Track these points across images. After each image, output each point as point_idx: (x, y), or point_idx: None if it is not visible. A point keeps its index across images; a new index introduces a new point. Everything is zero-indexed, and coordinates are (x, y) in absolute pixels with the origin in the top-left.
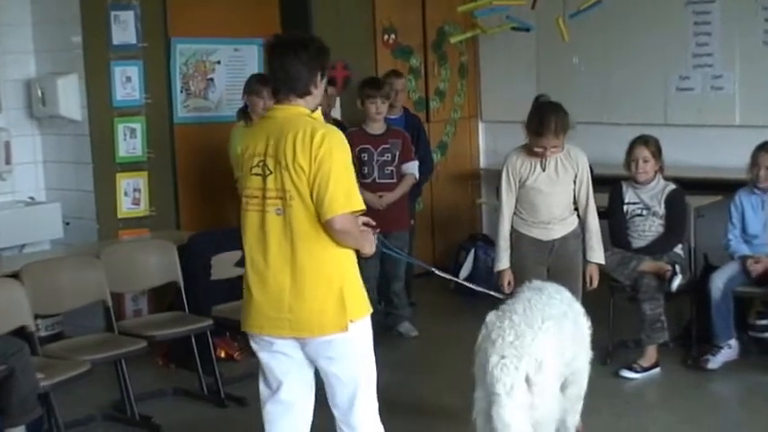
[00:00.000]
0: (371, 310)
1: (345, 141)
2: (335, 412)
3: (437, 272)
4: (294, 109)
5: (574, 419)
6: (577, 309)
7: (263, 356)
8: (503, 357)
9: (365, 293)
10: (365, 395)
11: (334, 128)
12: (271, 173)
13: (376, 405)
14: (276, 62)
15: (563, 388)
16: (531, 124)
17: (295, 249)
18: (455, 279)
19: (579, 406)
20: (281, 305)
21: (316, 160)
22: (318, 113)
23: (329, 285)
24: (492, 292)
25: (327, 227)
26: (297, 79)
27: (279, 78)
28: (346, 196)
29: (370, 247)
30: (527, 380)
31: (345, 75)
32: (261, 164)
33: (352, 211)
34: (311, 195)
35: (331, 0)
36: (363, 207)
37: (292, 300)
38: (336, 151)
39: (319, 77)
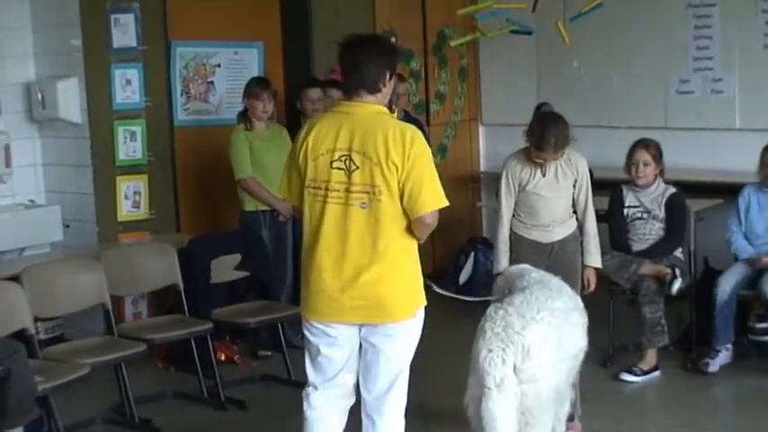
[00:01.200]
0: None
1: (422, 137)
2: (369, 398)
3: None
4: (373, 107)
5: (565, 409)
6: (576, 304)
7: (324, 347)
8: (490, 351)
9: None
10: (402, 383)
11: (415, 126)
12: (357, 168)
13: (405, 398)
14: (348, 59)
15: None
16: (531, 138)
17: (377, 241)
18: (447, 293)
19: (572, 393)
20: (358, 293)
21: (409, 159)
22: (395, 114)
23: (404, 275)
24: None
25: (418, 221)
26: (368, 75)
27: (350, 74)
28: (438, 193)
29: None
30: (515, 369)
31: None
32: (345, 159)
33: (440, 207)
34: (400, 192)
35: (331, 3)
36: (448, 202)
37: (374, 288)
38: (426, 151)
39: (388, 76)
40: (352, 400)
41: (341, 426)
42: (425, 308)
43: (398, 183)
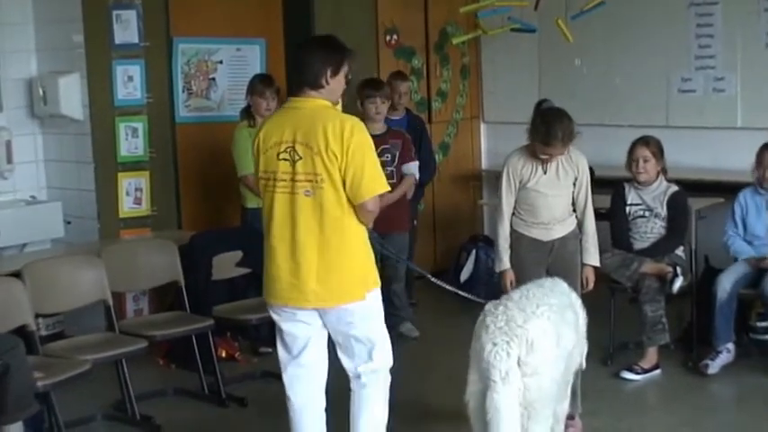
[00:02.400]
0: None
1: (366, 129)
2: (351, 372)
3: (431, 278)
4: (316, 101)
5: (563, 407)
6: (575, 299)
7: (286, 326)
8: (494, 344)
9: (375, 266)
10: (379, 352)
11: (357, 118)
12: (300, 158)
13: (390, 353)
14: (294, 58)
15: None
16: (537, 134)
17: (323, 227)
18: (447, 286)
19: (568, 392)
20: (308, 278)
21: (349, 149)
22: (339, 106)
23: (352, 260)
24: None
25: (360, 208)
26: (309, 72)
27: (295, 72)
28: (378, 180)
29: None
30: (519, 362)
31: None
32: (289, 150)
33: (380, 193)
34: (342, 180)
35: (333, 0)
36: (389, 188)
37: (320, 273)
38: (366, 141)
39: (330, 72)
40: (323, 379)
41: (320, 404)
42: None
43: (339, 171)
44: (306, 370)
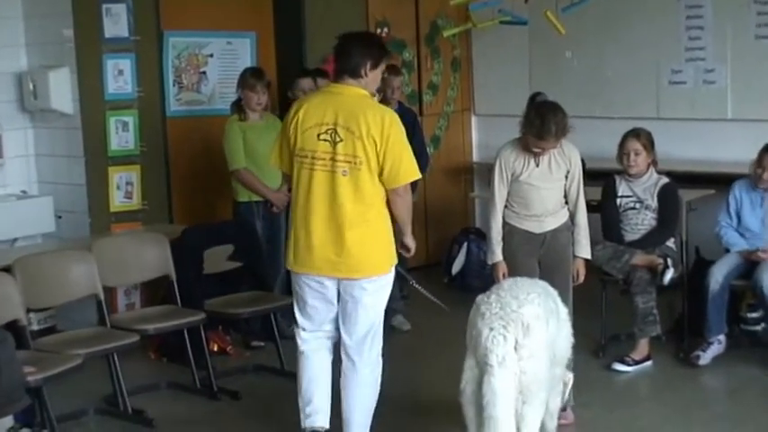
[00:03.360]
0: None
1: (398, 119)
2: (350, 342)
3: (412, 282)
4: (356, 90)
5: (556, 402)
6: (552, 292)
7: (311, 299)
8: (491, 329)
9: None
10: (378, 328)
11: (393, 110)
12: (342, 140)
13: (381, 343)
14: (338, 48)
15: None
16: (531, 128)
17: (358, 205)
18: (421, 289)
19: (560, 388)
20: (340, 250)
21: (388, 137)
22: (376, 99)
23: (382, 236)
24: (437, 301)
25: (393, 192)
26: (351, 62)
27: (338, 61)
28: (413, 168)
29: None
30: (516, 345)
31: None
32: (330, 132)
33: (413, 179)
34: (379, 164)
35: None
36: (420, 175)
37: (354, 246)
38: (402, 132)
39: (369, 65)
40: (336, 339)
41: (329, 358)
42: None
43: (377, 156)
44: (324, 336)
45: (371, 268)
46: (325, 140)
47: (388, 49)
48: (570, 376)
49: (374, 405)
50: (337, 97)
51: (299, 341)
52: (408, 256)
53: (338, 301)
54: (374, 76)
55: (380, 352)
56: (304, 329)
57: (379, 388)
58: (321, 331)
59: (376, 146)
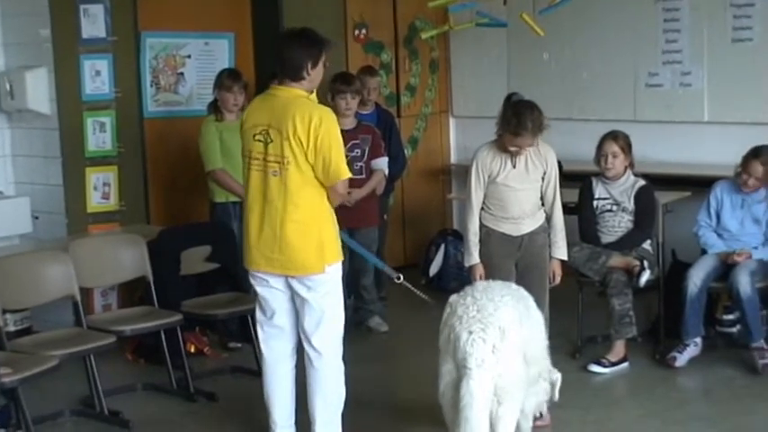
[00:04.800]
0: (343, 258)
1: (335, 120)
2: (303, 336)
3: (397, 277)
4: (294, 91)
5: (530, 404)
6: (525, 294)
7: (260, 290)
8: (470, 333)
9: (339, 243)
10: (329, 324)
11: (328, 109)
12: (272, 141)
13: (339, 336)
14: (276, 52)
15: None
16: (507, 125)
17: (286, 204)
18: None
19: (536, 389)
20: (275, 248)
21: (318, 137)
22: (314, 96)
23: (312, 235)
24: (421, 294)
25: (331, 190)
26: (290, 67)
27: (278, 65)
28: (344, 167)
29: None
30: (493, 349)
31: None
32: (263, 132)
33: (346, 177)
34: (309, 164)
35: None
36: (350, 174)
37: (283, 244)
38: (333, 130)
39: (310, 65)
40: (294, 340)
41: (289, 365)
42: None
43: (305, 156)
44: (278, 330)
45: (302, 267)
46: (259, 141)
47: (327, 39)
48: (558, 376)
49: (338, 403)
50: (273, 99)
51: (261, 343)
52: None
53: (292, 299)
54: (316, 73)
55: (338, 350)
56: (261, 324)
57: (341, 386)
58: (273, 328)
59: (303, 146)
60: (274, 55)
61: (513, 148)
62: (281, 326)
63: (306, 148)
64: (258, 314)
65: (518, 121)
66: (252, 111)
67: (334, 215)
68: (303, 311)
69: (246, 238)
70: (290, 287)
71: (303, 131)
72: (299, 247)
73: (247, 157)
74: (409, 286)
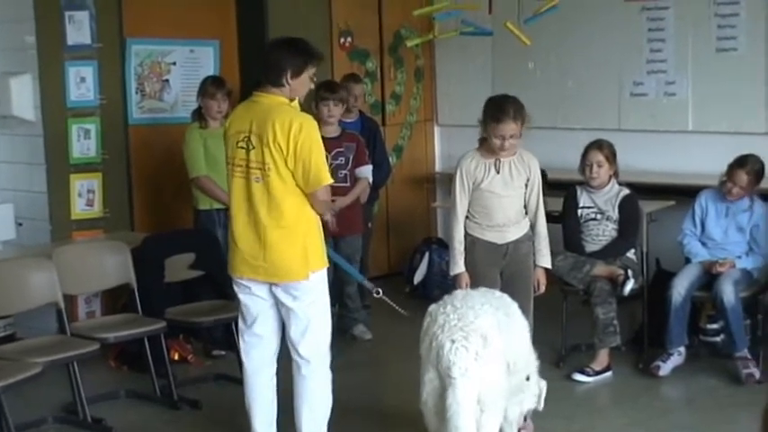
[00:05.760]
0: (328, 265)
1: (316, 126)
2: (290, 344)
3: (376, 291)
4: (276, 98)
5: (514, 411)
6: (508, 302)
7: (242, 297)
8: (453, 342)
9: (324, 250)
10: (315, 332)
11: (308, 116)
12: (254, 148)
13: (326, 344)
14: (264, 54)
15: None
16: (488, 111)
17: (269, 211)
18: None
19: (521, 397)
20: (258, 254)
21: (297, 144)
22: (296, 103)
23: (296, 241)
24: (398, 308)
25: (312, 197)
26: (271, 72)
27: (262, 70)
28: (324, 173)
29: (328, 213)
30: (476, 356)
31: None
32: (245, 139)
33: (327, 183)
34: (289, 170)
35: (288, 2)
36: (331, 180)
37: (266, 251)
38: (314, 136)
39: (290, 74)
40: (273, 348)
41: (268, 374)
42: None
43: (285, 162)
44: (258, 339)
45: (287, 274)
46: (241, 148)
47: (317, 54)
48: (543, 384)
49: (325, 411)
50: (255, 105)
51: (242, 353)
52: (333, 213)
53: (275, 306)
54: (298, 84)
55: (326, 358)
56: (241, 334)
57: (329, 395)
58: (254, 336)
59: (282, 152)
60: (262, 60)
61: (497, 141)
62: (261, 334)
63: (286, 154)
64: (240, 323)
65: (498, 107)
66: (235, 118)
67: (319, 222)
68: (289, 320)
69: (232, 245)
70: (274, 296)
71: (283, 138)
72: (283, 253)
73: (231, 164)
74: (387, 300)
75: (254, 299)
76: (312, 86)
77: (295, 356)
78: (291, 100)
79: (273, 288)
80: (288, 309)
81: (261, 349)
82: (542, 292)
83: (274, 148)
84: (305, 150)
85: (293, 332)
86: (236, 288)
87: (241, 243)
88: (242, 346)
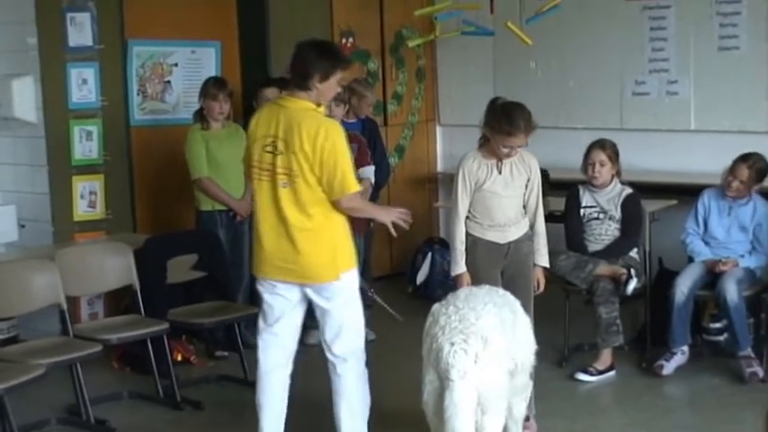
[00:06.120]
0: (357, 264)
1: (343, 133)
2: (324, 345)
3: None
4: (302, 103)
5: (520, 409)
6: (510, 299)
7: (267, 297)
8: (452, 344)
9: (353, 250)
10: (348, 333)
11: (335, 122)
12: (281, 153)
13: (361, 342)
14: (292, 58)
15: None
16: (499, 125)
17: (298, 215)
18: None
19: (526, 395)
20: (288, 257)
21: (323, 151)
22: (323, 108)
23: (325, 244)
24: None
25: (336, 204)
26: (299, 75)
27: (290, 73)
28: (350, 181)
29: (386, 216)
30: (476, 359)
31: None
32: (272, 143)
33: (353, 191)
34: (315, 176)
35: (289, 3)
36: (358, 188)
37: (297, 254)
38: (340, 143)
39: (318, 78)
40: (291, 348)
41: (282, 375)
42: None
43: (312, 169)
44: (276, 338)
45: (317, 275)
46: (268, 152)
47: (345, 58)
48: (529, 385)
49: (364, 410)
50: (282, 110)
51: (259, 351)
52: (407, 223)
53: (296, 303)
54: (326, 88)
55: (361, 357)
56: (260, 333)
57: (366, 393)
58: (273, 336)
59: (309, 159)
60: (291, 62)
61: (504, 150)
62: (280, 333)
63: (312, 161)
64: (259, 321)
65: (510, 120)
66: (261, 120)
67: (346, 222)
68: (324, 321)
69: (258, 247)
70: (306, 297)
71: (309, 145)
72: (314, 256)
73: (257, 168)
74: (381, 302)
75: (279, 299)
76: (339, 91)
77: (330, 356)
78: (318, 105)
79: (306, 289)
80: (323, 310)
81: (278, 349)
82: (542, 292)
83: (301, 155)
84: (330, 158)
85: (328, 332)
86: (260, 287)
87: (268, 246)
88: (260, 344)
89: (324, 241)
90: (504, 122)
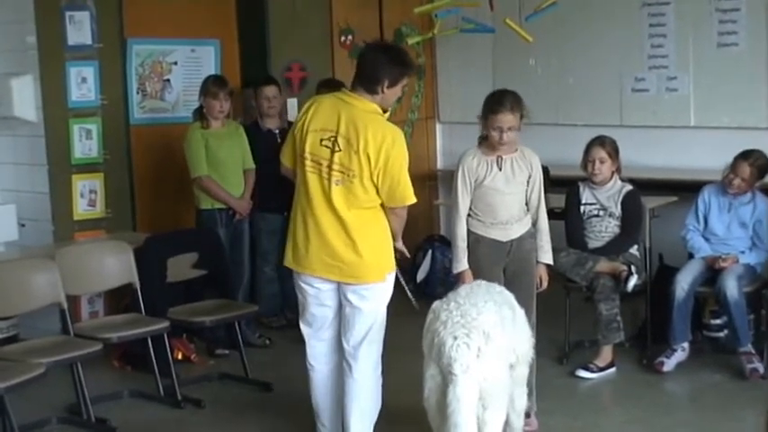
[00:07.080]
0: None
1: (405, 141)
2: (347, 347)
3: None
4: (369, 105)
5: (522, 401)
6: (508, 295)
7: (310, 306)
8: (455, 338)
9: (393, 251)
10: (374, 335)
11: (400, 130)
12: (340, 150)
13: (381, 347)
14: (359, 58)
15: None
16: (487, 106)
17: (349, 214)
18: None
19: (526, 388)
20: (335, 254)
21: (389, 158)
22: (386, 114)
23: (374, 245)
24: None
25: (391, 211)
26: (368, 77)
27: (356, 72)
28: (409, 191)
29: (400, 240)
30: (478, 353)
31: (302, 76)
32: (332, 139)
33: (411, 202)
34: (373, 180)
35: (288, 1)
36: (415, 200)
37: (344, 252)
38: (403, 152)
39: (387, 83)
40: (341, 351)
41: (334, 371)
42: None
43: (371, 174)
44: (326, 343)
45: (363, 275)
46: (326, 147)
47: (413, 65)
48: (531, 375)
49: (373, 414)
50: (346, 106)
51: (307, 350)
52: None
53: (338, 306)
54: (391, 93)
55: (379, 361)
56: (308, 340)
57: (378, 397)
58: (321, 341)
59: (371, 163)
60: (358, 61)
61: (494, 133)
62: (328, 338)
63: (374, 166)
64: (304, 330)
65: (495, 98)
66: (319, 113)
67: (387, 224)
68: (353, 321)
69: (301, 240)
70: (341, 294)
71: (374, 149)
72: (365, 256)
73: (309, 160)
74: (402, 283)
75: (319, 304)
76: (401, 95)
77: (350, 358)
78: (384, 110)
79: (343, 287)
80: (356, 309)
81: (328, 353)
82: (545, 289)
83: (363, 157)
84: (396, 167)
85: (356, 332)
86: (300, 292)
87: (314, 241)
88: (309, 351)
89: (374, 242)
90: (491, 102)
